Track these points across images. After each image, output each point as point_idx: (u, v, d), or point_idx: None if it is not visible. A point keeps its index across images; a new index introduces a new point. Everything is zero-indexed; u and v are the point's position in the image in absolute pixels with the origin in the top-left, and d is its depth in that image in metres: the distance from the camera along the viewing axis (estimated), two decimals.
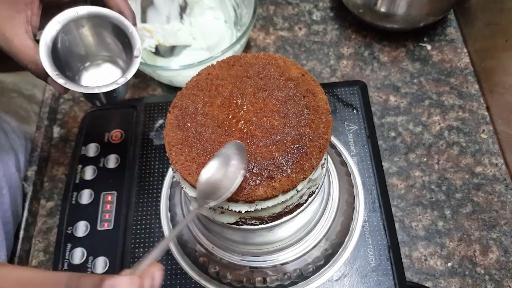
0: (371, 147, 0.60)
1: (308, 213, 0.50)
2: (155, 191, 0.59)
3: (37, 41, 0.43)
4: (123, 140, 0.63)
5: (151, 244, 0.55)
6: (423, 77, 0.70)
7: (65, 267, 0.54)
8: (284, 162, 0.38)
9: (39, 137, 0.67)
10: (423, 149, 0.64)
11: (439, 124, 0.66)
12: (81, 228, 0.56)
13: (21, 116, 0.75)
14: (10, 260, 0.57)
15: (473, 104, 0.67)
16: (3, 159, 0.59)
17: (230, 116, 0.41)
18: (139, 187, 0.59)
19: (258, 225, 0.44)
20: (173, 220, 0.56)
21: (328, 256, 0.52)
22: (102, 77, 0.50)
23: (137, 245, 0.55)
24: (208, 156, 0.39)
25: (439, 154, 0.63)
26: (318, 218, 0.52)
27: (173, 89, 0.72)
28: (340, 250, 0.53)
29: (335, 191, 0.55)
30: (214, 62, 0.46)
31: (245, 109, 0.42)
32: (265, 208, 0.39)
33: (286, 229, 0.49)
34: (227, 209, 0.39)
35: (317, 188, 0.46)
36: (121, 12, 0.46)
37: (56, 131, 0.70)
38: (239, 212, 0.39)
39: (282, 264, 0.51)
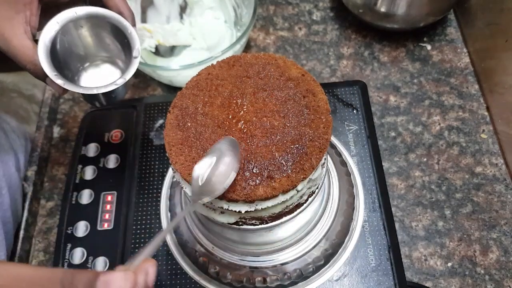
0: (371, 147, 0.60)
1: (308, 213, 0.50)
2: (155, 191, 0.59)
3: (36, 41, 0.43)
4: (123, 140, 0.63)
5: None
6: (423, 77, 0.70)
7: (65, 267, 0.54)
8: (284, 162, 0.38)
9: (39, 137, 0.67)
10: (423, 149, 0.64)
11: (439, 124, 0.66)
12: (81, 228, 0.56)
13: (21, 116, 0.75)
14: (10, 260, 0.57)
15: (473, 104, 0.67)
16: (3, 159, 0.59)
17: (230, 116, 0.41)
18: (139, 187, 0.59)
19: (258, 225, 0.44)
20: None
21: (328, 256, 0.52)
22: (101, 78, 0.50)
23: (137, 245, 0.55)
24: None
25: (439, 154, 0.63)
26: (318, 218, 0.52)
27: (173, 89, 0.72)
28: (340, 250, 0.53)
29: (335, 191, 0.55)
30: (214, 62, 0.46)
31: (245, 109, 0.42)
32: (265, 208, 0.39)
33: (286, 229, 0.49)
34: (227, 209, 0.39)
35: (317, 188, 0.46)
36: (120, 13, 0.46)
37: (56, 131, 0.70)
38: (239, 212, 0.39)
39: (282, 264, 0.51)
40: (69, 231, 0.56)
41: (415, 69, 0.71)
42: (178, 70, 0.63)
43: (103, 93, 0.46)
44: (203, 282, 0.52)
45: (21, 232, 0.60)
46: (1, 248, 0.53)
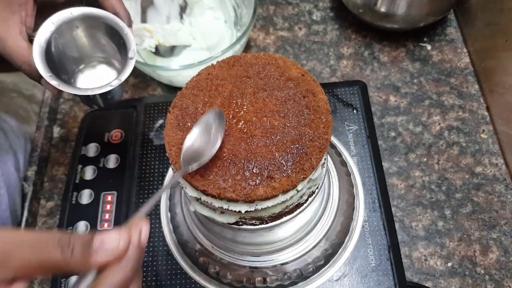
0: (371, 147, 0.60)
1: (308, 213, 0.50)
2: (155, 191, 0.59)
3: (32, 42, 0.43)
4: (123, 140, 0.63)
5: (151, 244, 0.55)
6: (423, 77, 0.70)
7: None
8: (284, 162, 0.38)
9: (39, 137, 0.67)
10: (423, 149, 0.64)
11: (439, 124, 0.66)
12: (81, 228, 0.56)
13: (21, 116, 0.75)
14: None
15: (473, 104, 0.67)
16: (2, 159, 0.59)
17: (230, 116, 0.41)
18: (139, 187, 0.59)
19: (258, 225, 0.44)
20: (173, 220, 0.56)
21: (328, 256, 0.52)
22: (97, 79, 0.50)
23: None
24: None
25: (439, 154, 0.63)
26: (318, 218, 0.52)
27: (173, 89, 0.72)
28: (340, 250, 0.53)
29: (335, 191, 0.55)
30: (214, 62, 0.46)
31: (245, 109, 0.42)
32: (265, 208, 0.39)
33: (286, 229, 0.49)
34: (227, 209, 0.39)
35: (317, 188, 0.46)
36: (116, 13, 0.46)
37: (56, 131, 0.70)
38: (239, 212, 0.39)
39: (282, 264, 0.51)
40: (69, 231, 0.56)
41: (415, 69, 0.71)
42: (178, 70, 0.63)
43: (99, 95, 0.46)
44: (203, 282, 0.52)
45: None
46: None
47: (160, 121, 0.64)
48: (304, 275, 0.51)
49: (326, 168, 0.48)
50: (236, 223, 0.43)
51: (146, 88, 0.73)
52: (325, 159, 0.47)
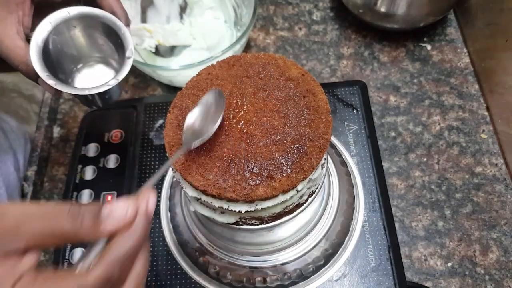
0: (371, 147, 0.60)
1: (308, 213, 0.50)
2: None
3: (29, 41, 0.43)
4: (123, 140, 0.63)
5: (151, 244, 0.55)
6: (423, 77, 0.70)
7: (65, 267, 0.54)
8: (284, 162, 0.38)
9: (39, 137, 0.67)
10: (423, 149, 0.64)
11: (439, 124, 0.66)
12: None
13: (21, 116, 0.75)
14: None
15: (473, 104, 0.67)
16: (2, 159, 0.59)
17: (230, 116, 0.41)
18: (139, 187, 0.59)
19: (258, 225, 0.44)
20: (173, 220, 0.56)
21: (328, 256, 0.52)
22: (95, 79, 0.49)
23: None
24: (208, 156, 0.39)
25: (439, 154, 0.63)
26: (318, 218, 0.52)
27: (173, 89, 0.72)
28: (340, 250, 0.53)
29: (335, 191, 0.55)
30: (214, 62, 0.46)
31: (245, 109, 0.42)
32: (265, 208, 0.39)
33: (286, 229, 0.49)
34: (227, 209, 0.39)
35: (317, 188, 0.46)
36: (113, 13, 0.46)
37: (56, 131, 0.70)
38: (239, 212, 0.39)
39: (282, 264, 0.51)
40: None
41: (415, 69, 0.71)
42: (178, 70, 0.63)
43: (97, 95, 0.46)
44: (203, 282, 0.52)
45: None
46: None
47: (160, 121, 0.64)
48: (304, 275, 0.51)
49: (326, 168, 0.48)
50: (236, 223, 0.43)
51: (146, 88, 0.73)
52: (325, 159, 0.47)
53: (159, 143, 0.63)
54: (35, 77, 0.43)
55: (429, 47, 0.73)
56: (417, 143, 0.65)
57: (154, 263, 0.54)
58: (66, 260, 0.54)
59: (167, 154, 0.40)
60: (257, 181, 0.38)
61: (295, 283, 0.51)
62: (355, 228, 0.54)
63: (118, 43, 0.47)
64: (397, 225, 0.58)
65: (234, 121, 0.41)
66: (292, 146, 0.39)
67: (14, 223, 0.26)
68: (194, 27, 0.72)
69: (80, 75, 0.50)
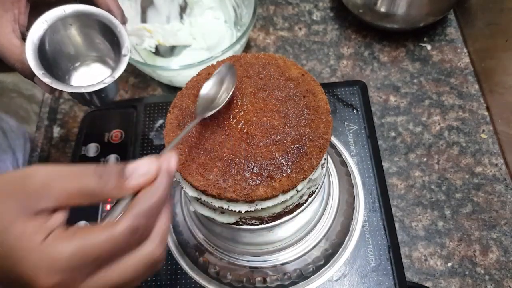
0: (371, 147, 0.60)
1: (308, 213, 0.50)
2: None
3: (25, 40, 0.43)
4: (123, 140, 0.63)
5: None
6: (423, 77, 0.70)
7: None
8: (284, 162, 0.38)
9: (39, 137, 0.67)
10: (423, 149, 0.64)
11: (439, 124, 0.66)
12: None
13: (21, 116, 0.75)
14: None
15: (473, 104, 0.67)
16: (1, 158, 0.59)
17: (230, 116, 0.41)
18: None
19: (258, 225, 0.44)
20: (173, 220, 0.56)
21: (328, 256, 0.52)
22: (91, 78, 0.49)
23: None
24: (208, 156, 0.39)
25: (439, 154, 0.63)
26: (318, 218, 0.52)
27: (173, 89, 0.72)
28: (340, 250, 0.53)
29: (335, 191, 0.55)
30: (214, 62, 0.46)
31: (245, 109, 0.42)
32: (265, 208, 0.39)
33: (286, 229, 0.49)
34: (227, 209, 0.39)
35: (317, 188, 0.46)
36: (109, 10, 0.46)
37: (56, 131, 0.70)
38: (239, 212, 0.39)
39: (282, 264, 0.51)
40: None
41: (415, 69, 0.71)
42: (178, 70, 0.63)
43: (94, 93, 0.46)
44: (203, 282, 0.52)
45: None
46: None
47: (160, 121, 0.64)
48: (304, 275, 0.51)
49: (326, 168, 0.48)
50: (236, 223, 0.43)
51: (146, 88, 0.73)
52: (325, 159, 0.47)
53: (159, 143, 0.63)
54: (31, 76, 0.44)
55: (429, 47, 0.73)
56: (417, 143, 0.65)
57: None
58: None
59: None
60: (257, 181, 0.38)
61: (295, 283, 0.51)
62: (355, 228, 0.54)
63: (114, 41, 0.47)
64: (397, 225, 0.58)
65: (234, 121, 0.41)
66: (292, 146, 0.39)
67: (42, 184, 0.27)
68: (194, 27, 0.72)
69: (77, 74, 0.50)
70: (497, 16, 0.65)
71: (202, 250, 0.53)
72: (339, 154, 0.58)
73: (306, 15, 0.78)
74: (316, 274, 0.51)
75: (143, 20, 0.72)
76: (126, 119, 0.65)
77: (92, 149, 0.62)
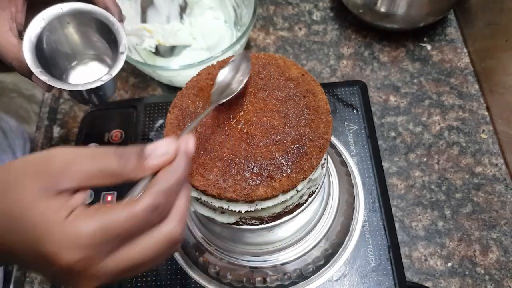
0: (371, 147, 0.60)
1: (308, 213, 0.50)
2: None
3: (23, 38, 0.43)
4: (123, 140, 0.63)
5: None
6: (423, 77, 0.70)
7: None
8: (284, 162, 0.38)
9: (39, 137, 0.67)
10: (423, 149, 0.64)
11: (439, 124, 0.66)
12: None
13: (21, 116, 0.75)
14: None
15: (473, 104, 0.67)
16: (0, 158, 0.59)
17: (231, 116, 0.41)
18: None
19: (258, 225, 0.44)
20: None
21: (328, 256, 0.52)
22: (89, 76, 0.49)
23: None
24: (208, 156, 0.39)
25: (439, 154, 0.63)
26: (318, 218, 0.52)
27: (173, 89, 0.72)
28: (340, 250, 0.53)
29: (335, 191, 0.55)
30: (214, 62, 0.46)
31: (245, 109, 0.42)
32: (265, 208, 0.39)
33: (286, 229, 0.49)
34: (227, 209, 0.39)
35: (317, 188, 0.46)
36: (106, 8, 0.46)
37: (56, 131, 0.70)
38: (239, 212, 0.39)
39: (282, 264, 0.51)
40: None
41: (415, 69, 0.71)
42: (178, 70, 0.63)
43: (92, 92, 0.46)
44: (203, 282, 0.52)
45: None
46: None
47: (160, 121, 0.64)
48: (304, 275, 0.51)
49: (326, 168, 0.48)
50: (236, 223, 0.43)
51: (146, 88, 0.73)
52: (325, 159, 0.47)
53: None
54: (28, 74, 0.44)
55: (429, 47, 0.73)
56: (417, 143, 0.65)
57: None
58: None
59: None
60: (257, 181, 0.38)
61: (295, 283, 0.51)
62: (355, 228, 0.54)
63: (111, 39, 0.47)
64: (397, 225, 0.58)
65: (234, 121, 0.41)
66: (292, 146, 0.39)
67: (64, 164, 0.27)
68: (194, 27, 0.72)
69: (75, 72, 0.50)
70: (497, 16, 0.65)
71: (202, 250, 0.53)
72: (339, 154, 0.58)
73: (306, 15, 0.78)
74: (316, 274, 0.52)
75: (143, 20, 0.72)
76: (126, 119, 0.65)
77: None
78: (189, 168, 0.31)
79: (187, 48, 0.72)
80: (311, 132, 0.40)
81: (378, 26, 0.72)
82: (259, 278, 0.51)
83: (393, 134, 0.66)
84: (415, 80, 0.70)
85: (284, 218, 0.44)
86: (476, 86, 0.69)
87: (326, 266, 0.52)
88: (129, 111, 0.66)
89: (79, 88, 0.44)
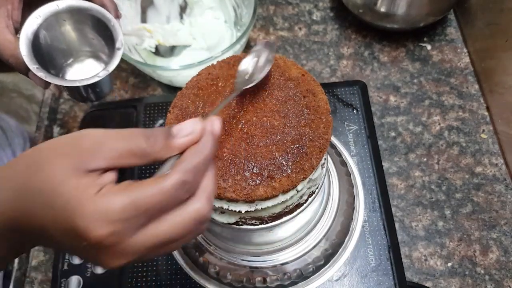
0: (371, 147, 0.60)
1: (308, 213, 0.50)
2: None
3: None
4: None
5: None
6: (423, 77, 0.70)
7: (65, 267, 0.54)
8: (284, 162, 0.38)
9: (39, 137, 0.67)
10: (423, 149, 0.64)
11: (439, 124, 0.66)
12: None
13: (21, 116, 0.75)
14: (9, 263, 0.57)
15: (473, 104, 0.67)
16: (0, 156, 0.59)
17: (230, 116, 0.41)
18: None
19: (258, 225, 0.44)
20: None
21: (328, 256, 0.52)
22: (85, 74, 0.50)
23: None
24: None
25: (439, 154, 0.63)
26: (318, 218, 0.52)
27: (173, 89, 0.72)
28: (340, 250, 0.53)
29: (335, 191, 0.55)
30: (214, 62, 0.46)
31: (245, 109, 0.42)
32: (265, 208, 0.39)
33: (286, 229, 0.49)
34: (227, 209, 0.39)
35: (317, 188, 0.46)
36: (102, 5, 0.46)
37: (56, 131, 0.70)
38: (239, 212, 0.39)
39: (282, 264, 0.51)
40: None
41: (415, 69, 0.71)
42: (178, 70, 0.63)
43: (89, 88, 0.46)
44: (203, 282, 0.52)
45: None
46: None
47: (160, 121, 0.64)
48: (304, 275, 0.51)
49: (326, 168, 0.48)
50: (236, 223, 0.43)
51: (146, 88, 0.73)
52: (325, 159, 0.47)
53: None
54: (25, 71, 0.44)
55: (429, 47, 0.73)
56: (417, 143, 0.65)
57: (154, 263, 0.54)
58: (66, 260, 0.54)
59: None
60: (257, 181, 0.38)
61: (295, 283, 0.51)
62: (355, 228, 0.54)
63: (107, 36, 0.47)
64: (397, 225, 0.58)
65: (234, 121, 0.41)
66: (292, 146, 0.39)
67: (94, 144, 0.28)
68: (194, 27, 0.72)
69: (71, 69, 0.50)
70: (497, 16, 0.65)
71: (202, 250, 0.53)
72: (339, 154, 0.58)
73: (306, 15, 0.78)
74: (316, 274, 0.52)
75: (143, 20, 0.72)
76: (126, 119, 0.65)
77: None
78: (215, 148, 0.31)
79: (187, 48, 0.72)
80: (311, 132, 0.40)
81: (378, 26, 0.72)
82: (259, 278, 0.51)
83: (393, 134, 0.66)
84: (415, 80, 0.70)
85: (284, 218, 0.44)
86: (476, 86, 0.69)
87: (326, 266, 0.52)
88: (129, 111, 0.66)
89: (76, 84, 0.44)
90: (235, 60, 0.45)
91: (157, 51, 0.71)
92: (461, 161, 0.63)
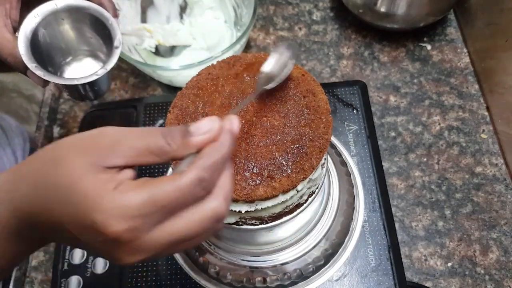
0: (371, 147, 0.60)
1: (308, 213, 0.50)
2: None
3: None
4: None
5: None
6: (423, 77, 0.70)
7: (65, 267, 0.54)
8: (284, 162, 0.38)
9: (39, 137, 0.67)
10: (423, 149, 0.64)
11: (439, 124, 0.66)
12: None
13: (21, 116, 0.75)
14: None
15: (473, 104, 0.67)
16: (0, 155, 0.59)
17: None
18: None
19: (258, 225, 0.44)
20: None
21: (328, 256, 0.52)
22: (83, 72, 0.50)
23: None
24: None
25: (439, 154, 0.63)
26: (318, 218, 0.52)
27: (173, 89, 0.72)
28: (340, 250, 0.53)
29: (335, 191, 0.55)
30: (214, 62, 0.46)
31: (245, 109, 0.42)
32: (265, 208, 0.39)
33: (286, 229, 0.49)
34: None
35: (317, 188, 0.46)
36: (100, 4, 0.46)
37: (56, 131, 0.70)
38: (239, 212, 0.39)
39: (282, 264, 0.51)
40: None
41: (415, 69, 0.71)
42: (178, 70, 0.63)
43: (88, 86, 0.46)
44: (203, 282, 0.52)
45: None
46: None
47: (160, 121, 0.64)
48: (304, 275, 0.51)
49: (326, 168, 0.48)
50: (236, 223, 0.43)
51: (146, 88, 0.73)
52: (325, 159, 0.47)
53: None
54: (23, 69, 0.44)
55: (429, 47, 0.73)
56: (417, 143, 0.65)
57: (154, 263, 0.54)
58: (66, 260, 0.54)
59: None
60: (257, 181, 0.38)
61: (295, 283, 0.51)
62: (355, 228, 0.54)
63: (106, 35, 0.47)
64: (397, 225, 0.58)
65: None
66: (292, 146, 0.39)
67: (113, 141, 0.28)
68: (194, 27, 0.72)
69: (70, 68, 0.51)
70: (497, 16, 0.65)
71: (202, 250, 0.53)
72: (339, 154, 0.58)
73: (306, 15, 0.78)
74: (316, 274, 0.51)
75: (143, 20, 0.72)
76: (126, 119, 0.65)
77: None
78: (233, 147, 0.31)
79: (187, 48, 0.72)
80: (311, 132, 0.40)
81: (378, 26, 0.72)
82: (259, 278, 0.51)
83: (393, 134, 0.66)
84: (415, 80, 0.70)
85: (284, 218, 0.44)
86: (476, 86, 0.69)
87: (326, 266, 0.52)
88: (129, 111, 0.66)
89: (75, 83, 0.45)
90: (235, 60, 0.45)
91: (157, 51, 0.71)
92: (461, 161, 0.63)
